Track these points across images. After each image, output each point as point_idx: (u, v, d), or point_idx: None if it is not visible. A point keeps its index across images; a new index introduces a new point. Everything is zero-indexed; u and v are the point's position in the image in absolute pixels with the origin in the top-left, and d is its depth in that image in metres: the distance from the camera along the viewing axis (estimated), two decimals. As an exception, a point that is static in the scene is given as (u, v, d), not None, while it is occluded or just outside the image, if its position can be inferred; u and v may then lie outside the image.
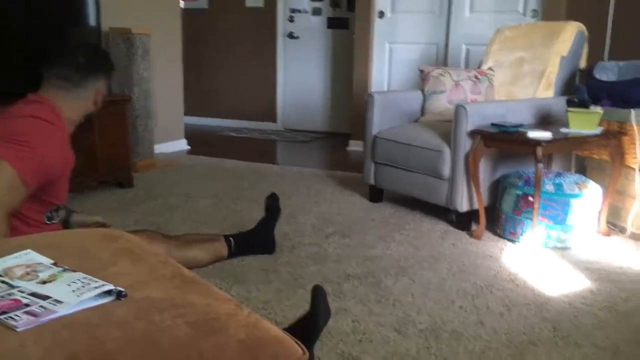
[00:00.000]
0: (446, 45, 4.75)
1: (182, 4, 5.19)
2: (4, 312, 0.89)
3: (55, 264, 1.10)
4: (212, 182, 3.89)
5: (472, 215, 2.97)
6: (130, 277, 1.09)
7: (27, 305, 0.92)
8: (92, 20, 3.68)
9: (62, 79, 1.93)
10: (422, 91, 3.55)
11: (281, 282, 2.30)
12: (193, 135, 5.35)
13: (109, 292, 0.98)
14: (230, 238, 2.50)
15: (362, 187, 3.68)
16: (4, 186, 1.68)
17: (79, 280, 1.02)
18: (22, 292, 0.97)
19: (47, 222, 1.94)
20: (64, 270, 1.07)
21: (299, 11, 5.99)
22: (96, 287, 0.99)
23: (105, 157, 3.56)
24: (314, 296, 1.60)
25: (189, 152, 4.95)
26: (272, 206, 2.66)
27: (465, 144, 2.87)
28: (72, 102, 1.95)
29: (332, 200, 3.52)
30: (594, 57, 3.59)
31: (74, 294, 0.97)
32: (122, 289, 0.99)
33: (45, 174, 1.79)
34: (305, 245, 2.71)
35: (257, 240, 2.57)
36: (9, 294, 0.96)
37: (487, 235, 2.90)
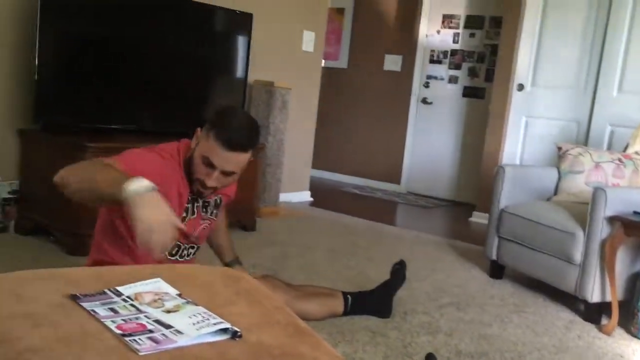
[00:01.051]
0: (588, 123, 4.52)
1: (323, 62, 5.44)
2: (130, 335, 0.95)
3: (180, 295, 1.16)
4: (331, 236, 3.93)
5: (603, 307, 2.73)
6: (246, 319, 1.11)
7: (150, 331, 0.97)
8: (240, 73, 3.97)
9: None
10: (558, 169, 3.39)
11: (388, 348, 2.23)
12: (317, 188, 5.48)
13: (225, 330, 1.01)
14: (348, 296, 2.48)
15: (482, 260, 3.53)
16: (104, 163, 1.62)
17: (200, 314, 1.06)
18: (148, 317, 1.03)
19: (171, 257, 1.93)
20: (188, 302, 1.12)
21: (436, 78, 6.03)
22: (215, 324, 1.02)
23: (234, 201, 3.73)
24: None
25: (312, 204, 5.06)
26: (398, 272, 2.63)
27: (602, 230, 2.68)
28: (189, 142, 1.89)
29: (449, 270, 3.41)
30: None
31: (194, 327, 1.00)
32: (237, 329, 1.02)
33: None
34: (418, 314, 2.63)
35: (374, 303, 2.53)
36: (137, 318, 1.02)
37: (619, 332, 2.64)
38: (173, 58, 3.62)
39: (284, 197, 4.78)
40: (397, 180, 6.29)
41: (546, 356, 2.32)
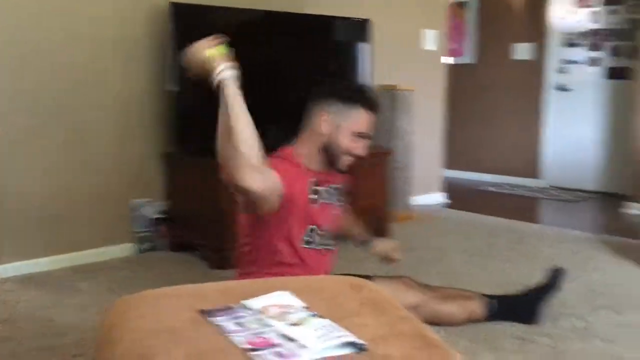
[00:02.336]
0: None
1: (449, 60, 5.29)
2: (257, 349, 0.96)
3: (306, 308, 1.16)
4: (468, 239, 3.78)
5: None
6: (371, 330, 1.08)
7: (276, 345, 0.97)
8: (364, 78, 3.96)
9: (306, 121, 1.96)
10: None
11: (538, 356, 2.08)
12: (452, 189, 5.31)
13: (350, 344, 0.99)
14: (492, 299, 2.33)
15: (641, 256, 3.19)
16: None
17: (324, 327, 1.05)
18: (274, 331, 1.03)
19: (306, 246, 1.96)
20: (313, 315, 1.12)
21: (575, 62, 5.61)
22: (339, 337, 1.00)
23: (364, 207, 3.71)
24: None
25: (447, 206, 4.91)
26: (553, 279, 2.41)
27: None
28: (304, 136, 1.96)
29: (603, 269, 3.12)
30: None
31: (318, 340, 0.99)
32: (363, 343, 0.99)
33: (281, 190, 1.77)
34: (569, 317, 2.43)
35: (521, 308, 2.35)
36: (262, 332, 1.03)
37: None
38: (298, 75, 3.70)
39: (416, 200, 4.69)
40: (537, 175, 5.92)
41: None
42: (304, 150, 1.96)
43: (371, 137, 1.98)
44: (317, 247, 2.00)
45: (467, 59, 6.34)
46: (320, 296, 1.28)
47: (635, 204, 4.52)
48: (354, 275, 1.78)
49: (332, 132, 1.92)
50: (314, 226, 1.97)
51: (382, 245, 2.29)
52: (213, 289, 1.32)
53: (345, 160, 1.97)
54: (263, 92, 3.54)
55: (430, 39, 4.81)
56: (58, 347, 2.13)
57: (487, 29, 6.21)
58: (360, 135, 1.94)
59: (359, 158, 1.99)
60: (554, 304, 2.54)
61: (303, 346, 0.97)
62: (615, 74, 5.35)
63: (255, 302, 1.16)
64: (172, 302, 1.21)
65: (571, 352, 2.11)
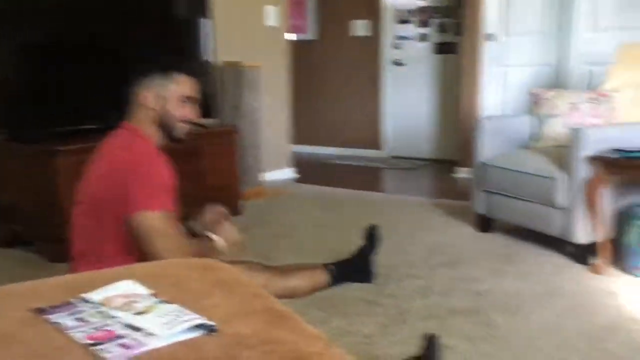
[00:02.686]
0: (563, 66, 4.48)
1: (292, 37, 5.35)
2: (99, 344, 0.91)
3: (153, 295, 1.12)
4: (318, 211, 3.90)
5: (591, 247, 2.73)
6: (222, 310, 1.08)
7: (120, 337, 0.94)
8: (207, 55, 3.87)
9: (134, 93, 1.98)
10: (535, 115, 3.36)
11: (384, 316, 2.22)
12: (301, 164, 5.44)
13: (199, 326, 0.98)
14: (332, 267, 2.47)
15: (470, 216, 3.52)
16: (169, 230, 1.82)
17: (171, 312, 1.03)
18: (118, 322, 0.99)
19: None
20: (161, 301, 1.09)
21: (406, 38, 5.95)
22: (187, 321, 0.99)
23: (214, 186, 3.68)
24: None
25: (297, 181, 5.02)
26: (371, 235, 2.61)
27: (583, 171, 2.66)
28: (138, 116, 1.97)
29: (439, 229, 3.40)
30: None
31: (165, 326, 0.97)
32: (212, 324, 0.99)
33: (170, 192, 1.89)
34: (412, 278, 2.62)
35: (356, 268, 2.53)
36: (105, 325, 0.98)
37: (609, 270, 2.65)
38: (136, 50, 3.52)
39: (267, 177, 4.73)
40: (378, 146, 6.26)
41: (541, 303, 2.32)
42: (145, 130, 1.96)
43: (198, 100, 2.03)
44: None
45: (309, 35, 6.47)
46: (168, 281, 1.25)
47: (463, 169, 4.96)
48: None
49: (161, 105, 1.96)
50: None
51: (220, 237, 2.25)
52: (50, 285, 1.23)
53: (181, 128, 2.01)
54: (98, 69, 3.33)
55: (272, 15, 4.82)
56: None
57: (327, 6, 6.36)
58: (188, 99, 1.99)
59: (193, 124, 2.06)
60: (398, 267, 2.73)
61: (150, 334, 0.94)
62: (442, 49, 5.78)
63: (97, 295, 1.10)
64: (1, 303, 1.11)
65: (413, 309, 2.28)
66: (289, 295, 2.23)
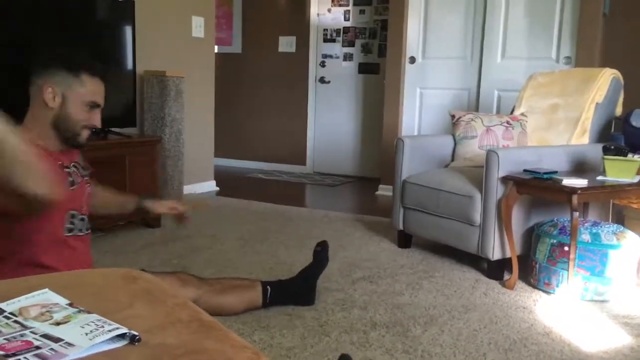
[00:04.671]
0: (477, 91, 4.73)
1: (216, 49, 5.31)
2: (14, 355, 0.86)
3: (71, 305, 1.07)
4: (240, 224, 3.87)
5: (505, 264, 2.88)
6: (146, 321, 1.05)
7: (37, 347, 0.89)
8: (127, 64, 3.77)
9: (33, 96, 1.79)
10: (453, 136, 3.51)
11: (306, 329, 2.23)
12: (223, 177, 5.38)
13: (122, 336, 0.94)
14: (268, 287, 2.37)
15: (390, 232, 3.61)
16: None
17: (92, 322, 0.98)
18: (34, 333, 0.94)
19: (69, 234, 1.84)
20: (79, 311, 1.04)
21: (331, 57, 6.06)
22: (109, 331, 0.95)
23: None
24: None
25: (218, 194, 4.96)
26: (320, 255, 2.52)
27: (497, 190, 2.80)
28: (32, 114, 1.79)
29: (359, 245, 3.46)
30: (630, 104, 3.51)
31: (86, 337, 0.93)
32: (136, 333, 0.95)
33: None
34: (332, 291, 2.65)
35: (297, 290, 2.44)
36: (22, 335, 0.93)
37: (520, 285, 2.79)
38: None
39: (188, 189, 4.64)
40: (303, 162, 6.30)
41: (456, 316, 2.40)
42: (35, 130, 1.77)
43: (102, 106, 1.85)
44: (79, 234, 1.88)
45: (234, 48, 6.45)
46: (86, 291, 1.20)
47: (384, 186, 5.08)
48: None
49: (61, 104, 1.77)
50: (75, 211, 1.85)
51: (161, 204, 2.21)
52: (-45, 295, 1.15)
53: (84, 135, 1.83)
54: (12, 73, 3.17)
55: (199, 26, 4.78)
56: None
57: (253, 20, 6.38)
58: (92, 105, 1.81)
59: (95, 129, 1.90)
60: (318, 280, 2.75)
61: (69, 344, 0.90)
62: (366, 69, 5.93)
63: (11, 305, 1.04)
64: None
65: (333, 322, 2.30)
66: (218, 312, 2.17)
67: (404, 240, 3.41)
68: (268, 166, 6.42)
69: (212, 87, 5.01)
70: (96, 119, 1.83)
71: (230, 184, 5.32)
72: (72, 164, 1.91)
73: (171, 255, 3.13)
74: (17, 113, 1.75)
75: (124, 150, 3.51)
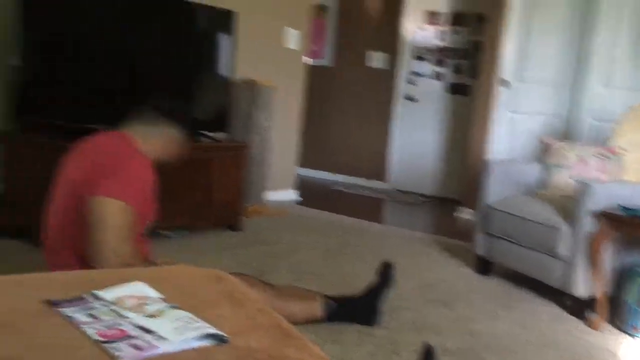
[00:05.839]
0: (573, 118, 4.54)
1: (309, 61, 5.41)
2: (111, 342, 0.92)
3: (163, 299, 1.13)
4: (318, 235, 3.91)
5: (590, 302, 2.74)
6: (230, 322, 1.09)
7: (132, 337, 0.95)
8: (224, 71, 3.92)
9: (145, 118, 2.11)
10: (543, 163, 3.39)
11: (375, 346, 2.22)
12: (305, 187, 5.46)
13: (210, 335, 0.99)
14: (331, 301, 2.35)
15: (469, 256, 3.53)
16: (119, 222, 1.80)
17: (182, 318, 1.04)
18: (130, 323, 1.00)
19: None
20: (171, 306, 1.10)
21: (421, 75, 6.03)
22: (198, 329, 0.99)
23: (220, 200, 3.69)
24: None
25: (299, 203, 5.03)
26: (387, 274, 2.48)
27: (587, 225, 2.68)
28: (148, 138, 2.09)
29: (436, 266, 3.41)
30: None
31: (177, 331, 0.98)
32: (224, 334, 0.99)
33: (142, 191, 1.93)
34: (404, 311, 2.62)
35: (361, 309, 2.41)
36: (118, 324, 0.99)
37: (607, 327, 2.65)
38: (155, 57, 3.57)
39: (270, 195, 4.74)
40: (383, 178, 6.28)
41: (534, 351, 2.32)
42: (147, 149, 2.05)
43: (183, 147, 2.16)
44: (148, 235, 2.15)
45: (325, 61, 6.54)
46: (176, 287, 1.26)
47: (465, 209, 4.98)
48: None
49: (156, 141, 2.09)
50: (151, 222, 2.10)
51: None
52: (59, 279, 1.24)
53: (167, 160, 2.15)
54: (115, 74, 3.37)
55: (293, 38, 4.89)
56: None
57: (345, 34, 6.45)
58: (174, 146, 2.14)
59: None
60: (392, 298, 2.73)
61: (161, 338, 0.95)
62: (456, 89, 5.85)
63: (109, 293, 1.11)
64: (13, 292, 1.12)
65: (404, 342, 2.28)
66: None
67: (483, 266, 3.32)
68: (350, 179, 6.44)
69: (300, 98, 5.10)
70: (176, 155, 2.18)
71: (312, 194, 5.39)
72: None
73: (250, 259, 3.20)
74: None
75: (212, 154, 3.64)
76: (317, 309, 2.33)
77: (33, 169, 3.02)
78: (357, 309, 2.41)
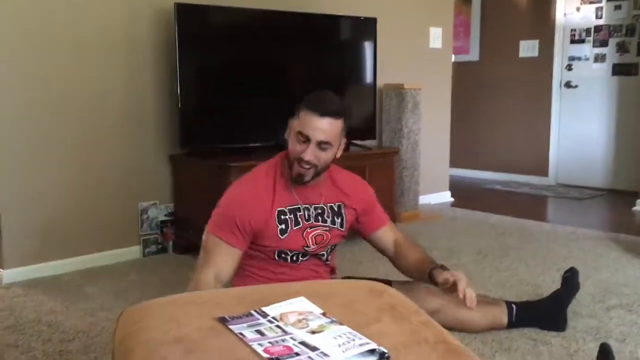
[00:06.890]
0: None
1: (453, 58, 5.25)
2: (277, 359, 0.93)
3: (324, 314, 1.13)
4: (476, 238, 3.75)
5: None
6: (392, 338, 1.05)
7: (297, 354, 0.95)
8: (369, 78, 3.93)
9: None
10: None
11: (552, 356, 2.05)
12: (458, 188, 5.28)
13: (372, 352, 0.96)
14: (513, 305, 2.25)
15: (653, 255, 3.16)
16: (203, 252, 1.82)
17: (344, 334, 1.02)
18: (293, 339, 1.01)
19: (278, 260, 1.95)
20: (332, 322, 1.09)
21: (579, 59, 5.57)
22: (361, 345, 0.97)
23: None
24: None
25: (453, 205, 4.88)
26: (570, 280, 2.37)
27: None
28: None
29: (615, 268, 3.09)
30: None
31: (339, 348, 0.97)
32: (385, 351, 0.96)
33: (243, 228, 1.81)
34: (582, 317, 2.40)
35: (547, 313, 2.27)
36: (283, 340, 1.00)
37: None
38: (304, 72, 3.68)
39: (423, 199, 4.65)
40: (544, 173, 5.88)
41: None
42: (284, 161, 1.91)
43: (327, 147, 1.81)
44: (292, 263, 1.96)
45: (471, 56, 6.31)
46: (336, 302, 1.25)
47: (644, 201, 4.48)
48: (373, 279, 1.68)
49: (289, 137, 1.86)
50: (287, 250, 1.92)
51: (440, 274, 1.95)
52: (227, 295, 1.30)
53: (296, 168, 1.83)
54: (268, 92, 3.52)
55: (437, 37, 4.78)
56: (66, 353, 2.10)
57: (491, 26, 6.17)
58: (304, 138, 1.79)
59: (310, 166, 1.81)
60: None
61: (325, 355, 0.94)
62: (621, 70, 5.31)
63: (273, 309, 1.14)
64: (187, 310, 1.18)
65: (584, 352, 2.08)
66: (459, 327, 2.10)
67: (672, 265, 2.95)
68: (505, 177, 6.12)
69: (448, 97, 4.96)
70: (307, 153, 1.79)
71: (466, 195, 5.20)
72: (311, 205, 1.94)
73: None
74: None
75: (364, 162, 3.65)
76: (499, 314, 2.22)
77: (200, 189, 3.24)
78: (543, 314, 2.27)
